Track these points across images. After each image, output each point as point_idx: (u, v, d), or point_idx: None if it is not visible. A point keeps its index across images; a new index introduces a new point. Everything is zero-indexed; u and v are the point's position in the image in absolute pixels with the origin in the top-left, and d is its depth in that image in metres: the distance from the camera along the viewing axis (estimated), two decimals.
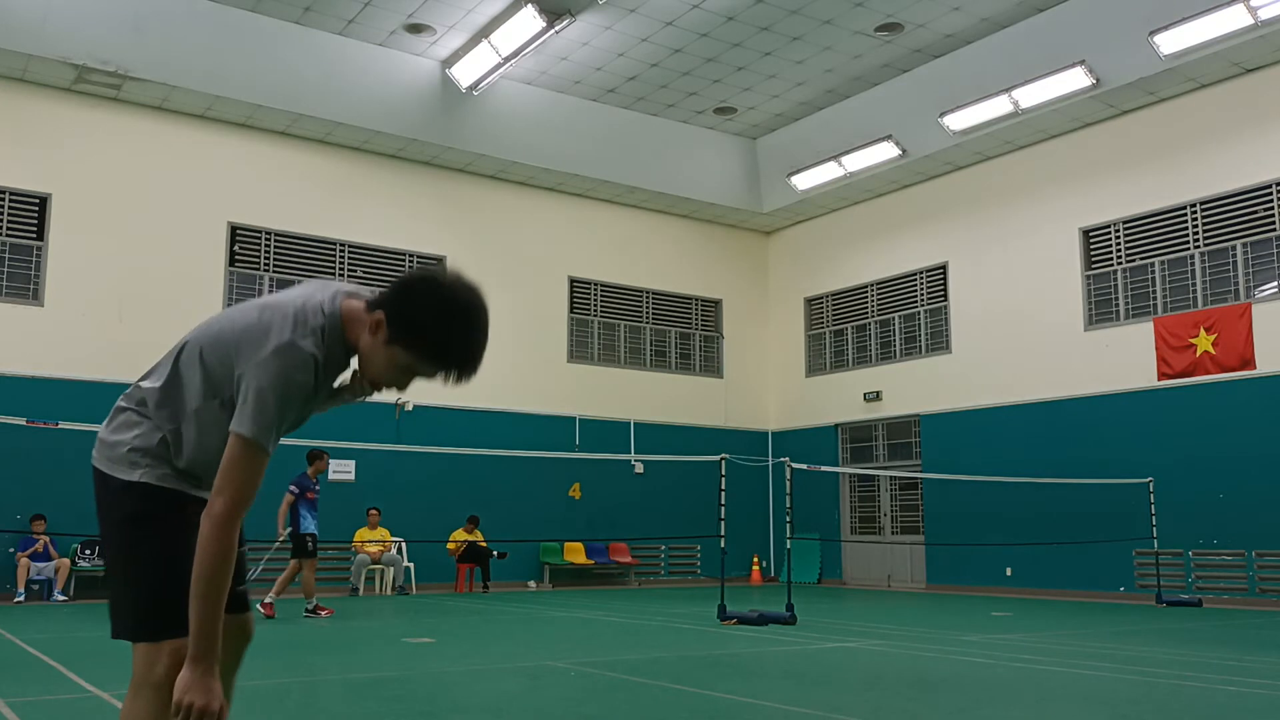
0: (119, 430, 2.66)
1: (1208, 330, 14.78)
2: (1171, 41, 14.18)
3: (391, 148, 17.53)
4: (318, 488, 11.82)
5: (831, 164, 18.89)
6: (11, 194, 15.04)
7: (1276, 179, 14.41)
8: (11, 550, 14.06)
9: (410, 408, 17.31)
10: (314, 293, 2.58)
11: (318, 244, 17.23)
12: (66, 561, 14.27)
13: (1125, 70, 14.95)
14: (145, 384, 2.66)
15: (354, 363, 2.63)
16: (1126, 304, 16.00)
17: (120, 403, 2.69)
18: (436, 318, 2.46)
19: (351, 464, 16.61)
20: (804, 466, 12.81)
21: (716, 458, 11.28)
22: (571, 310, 19.61)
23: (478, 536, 16.92)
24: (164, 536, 2.56)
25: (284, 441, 2.52)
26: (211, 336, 2.56)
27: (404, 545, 16.56)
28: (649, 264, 20.56)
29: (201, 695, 2.35)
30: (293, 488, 11.53)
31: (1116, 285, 16.15)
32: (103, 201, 15.48)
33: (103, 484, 2.65)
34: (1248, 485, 14.17)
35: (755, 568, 20.01)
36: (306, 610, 11.63)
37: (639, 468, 18.93)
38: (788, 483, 11.71)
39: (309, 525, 11.55)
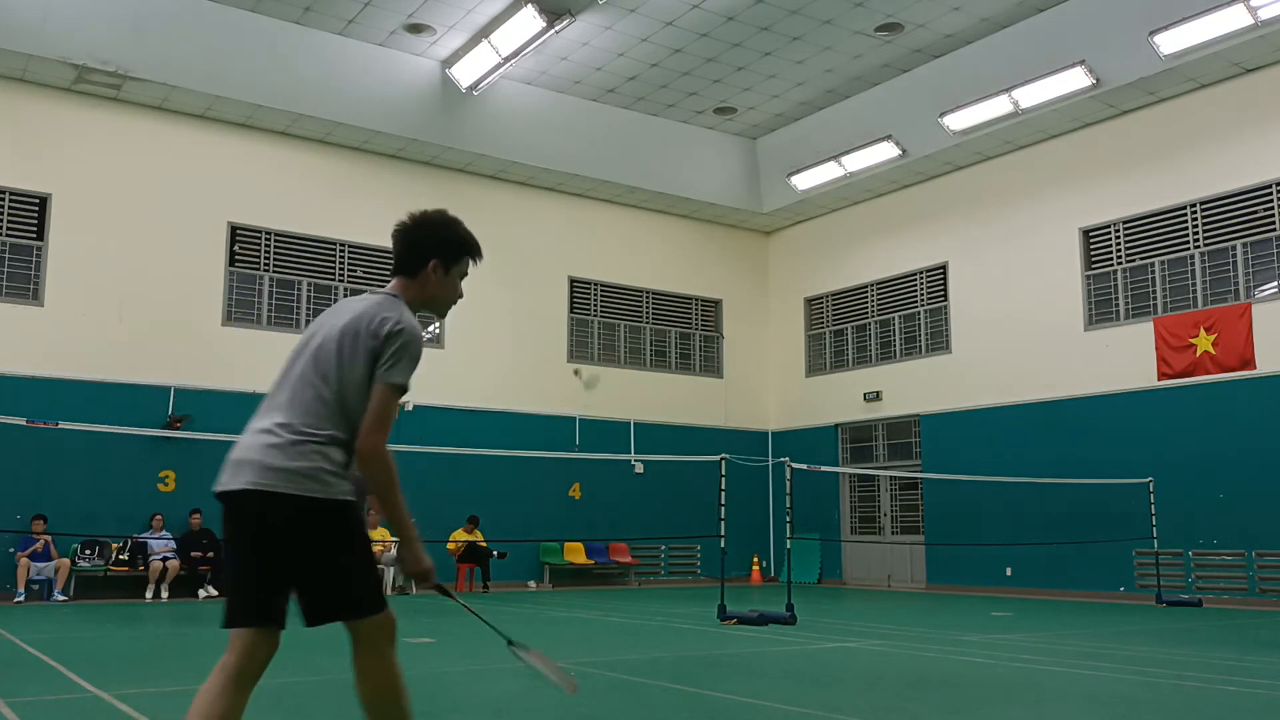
0: (308, 458, 3.10)
1: (1208, 330, 14.78)
2: (1171, 41, 14.18)
3: (391, 148, 17.53)
4: None
5: (831, 164, 18.88)
6: (11, 194, 15.04)
7: (1276, 179, 14.41)
8: (11, 550, 14.05)
9: (411, 408, 17.30)
10: (379, 296, 3.41)
11: (318, 244, 17.23)
12: (66, 561, 14.27)
13: (1125, 70, 14.95)
14: (304, 406, 3.16)
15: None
16: (1126, 304, 16.00)
17: (289, 435, 3.12)
18: (455, 232, 3.69)
19: None
20: (804, 466, 12.81)
21: (716, 458, 11.28)
22: (571, 310, 19.60)
23: (478, 536, 16.92)
24: (367, 538, 3.27)
25: None
26: (349, 337, 3.20)
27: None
28: (649, 264, 20.56)
29: (425, 560, 3.28)
30: None
31: (1116, 285, 16.15)
32: (103, 201, 15.47)
33: (308, 507, 3.08)
34: (1248, 485, 14.17)
35: (755, 568, 20.01)
36: None
37: (639, 468, 18.93)
38: (788, 483, 11.71)
39: None
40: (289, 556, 3.13)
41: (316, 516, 3.09)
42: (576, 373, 18.99)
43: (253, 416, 3.28)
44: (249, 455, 3.15)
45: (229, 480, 3.16)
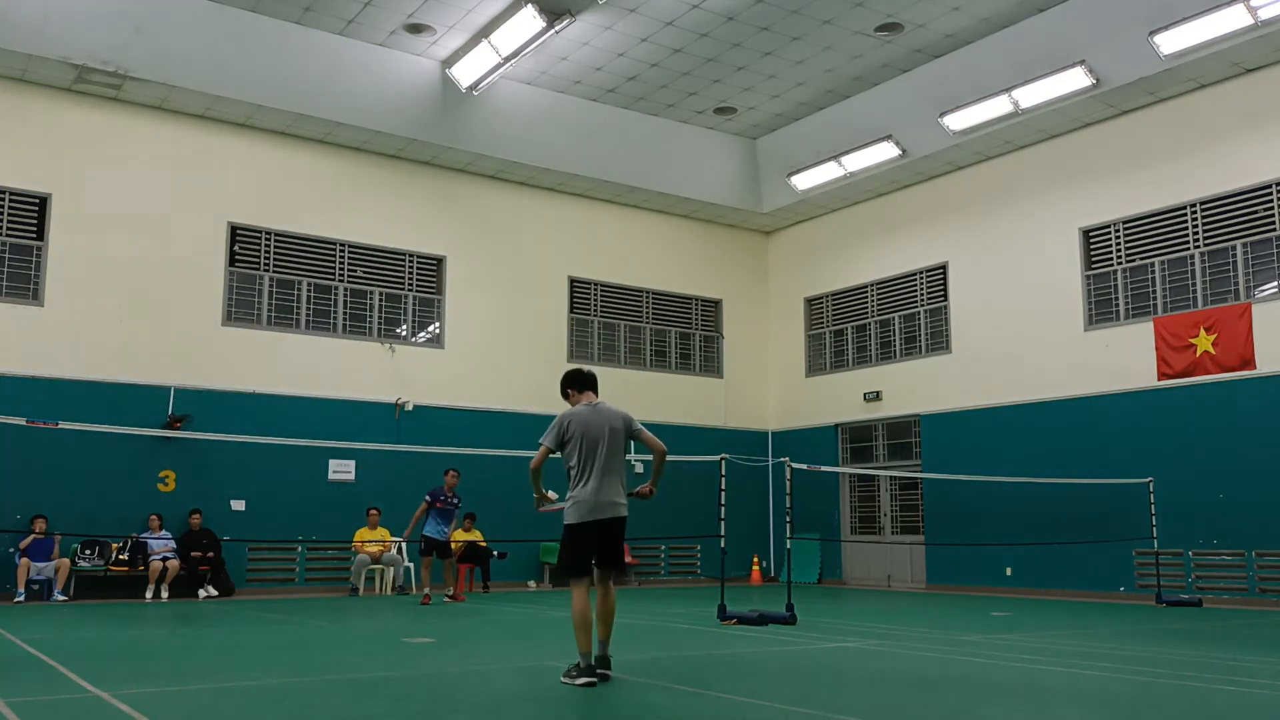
0: (624, 495, 6.69)
1: (1208, 330, 14.78)
2: (1171, 41, 14.18)
3: (391, 148, 17.52)
4: (446, 497, 14.13)
5: (831, 164, 18.88)
6: (11, 194, 15.03)
7: (1276, 179, 14.41)
8: (11, 550, 14.05)
9: (410, 408, 17.31)
10: (604, 405, 6.90)
11: (318, 244, 17.22)
12: (66, 561, 14.27)
13: (1125, 70, 14.95)
14: (619, 472, 6.70)
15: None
16: (1126, 304, 16.00)
17: (618, 476, 6.68)
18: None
19: (351, 464, 16.61)
20: (804, 466, 12.82)
21: (716, 458, 11.29)
22: (571, 310, 19.60)
23: (477, 536, 16.92)
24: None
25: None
26: (619, 432, 6.72)
27: (404, 545, 16.56)
28: (649, 264, 20.56)
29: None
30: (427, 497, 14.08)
31: (1116, 285, 16.15)
32: (103, 201, 15.47)
33: (623, 521, 6.63)
34: (1248, 485, 14.17)
35: (755, 568, 20.01)
36: (446, 597, 14.07)
37: (639, 468, 18.91)
38: (788, 483, 11.72)
39: (430, 530, 13.96)
40: (616, 541, 6.59)
41: (622, 527, 6.61)
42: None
43: (588, 480, 6.58)
44: (614, 499, 6.57)
45: (606, 512, 6.53)
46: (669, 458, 6.77)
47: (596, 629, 6.41)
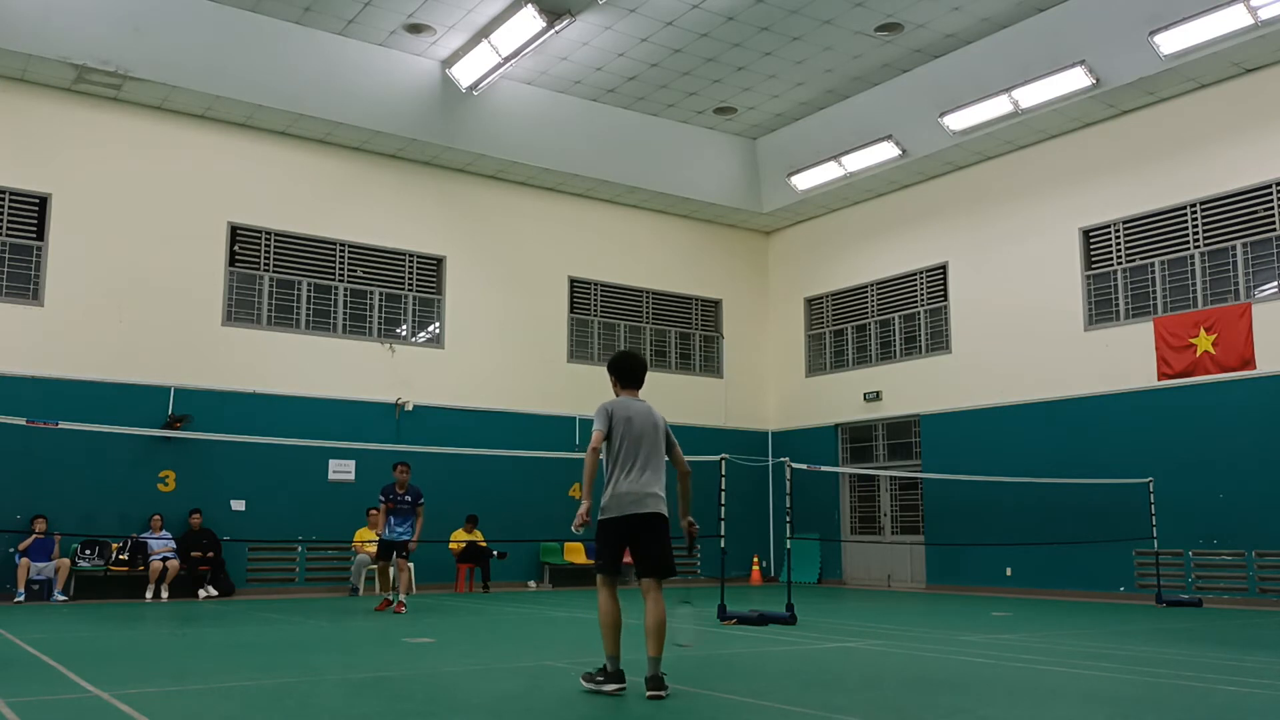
0: (664, 490, 6.32)
1: (1208, 330, 14.78)
2: (1171, 41, 14.18)
3: (391, 148, 17.52)
4: (396, 496, 12.60)
5: (831, 164, 18.88)
6: (11, 194, 15.03)
7: (1276, 179, 14.41)
8: (11, 550, 14.05)
9: (410, 408, 17.31)
10: (644, 402, 6.64)
11: (318, 244, 17.22)
12: (66, 561, 14.27)
13: (1125, 70, 14.95)
14: (660, 469, 6.39)
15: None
16: (1126, 304, 15.99)
17: (660, 473, 6.36)
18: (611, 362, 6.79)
19: (351, 464, 16.61)
20: (804, 466, 12.82)
21: (716, 458, 11.28)
22: (571, 310, 19.60)
23: (477, 536, 16.92)
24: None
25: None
26: (660, 430, 6.58)
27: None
28: (649, 264, 20.55)
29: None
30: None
31: (1116, 285, 16.15)
32: (103, 201, 15.47)
33: (664, 519, 6.29)
34: (1248, 485, 14.16)
35: (755, 568, 20.01)
36: (384, 600, 12.65)
37: None
38: (788, 483, 11.72)
39: (384, 530, 12.61)
40: (660, 540, 6.17)
41: (665, 525, 6.25)
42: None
43: (630, 471, 6.26)
44: (657, 492, 6.30)
45: (648, 505, 6.22)
46: None
47: (647, 644, 5.92)
